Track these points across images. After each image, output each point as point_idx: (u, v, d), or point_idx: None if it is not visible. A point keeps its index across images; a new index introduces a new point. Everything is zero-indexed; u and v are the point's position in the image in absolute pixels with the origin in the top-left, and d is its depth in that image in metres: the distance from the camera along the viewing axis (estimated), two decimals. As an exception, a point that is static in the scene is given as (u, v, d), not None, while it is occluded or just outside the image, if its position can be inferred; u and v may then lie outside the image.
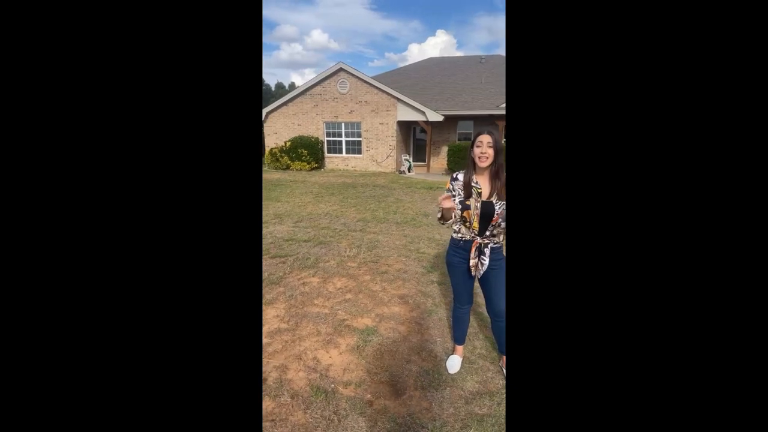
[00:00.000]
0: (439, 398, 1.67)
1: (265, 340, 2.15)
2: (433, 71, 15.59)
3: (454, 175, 1.71)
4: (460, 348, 1.93)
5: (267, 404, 1.65)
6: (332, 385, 1.77)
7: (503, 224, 1.58)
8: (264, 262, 3.45)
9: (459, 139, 12.80)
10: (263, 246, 3.90)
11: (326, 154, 12.26)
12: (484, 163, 1.58)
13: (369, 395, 1.70)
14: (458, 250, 1.73)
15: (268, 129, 12.53)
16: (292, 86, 49.63)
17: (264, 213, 5.49)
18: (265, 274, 3.14)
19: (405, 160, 11.87)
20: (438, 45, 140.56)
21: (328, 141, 12.21)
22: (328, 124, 12.06)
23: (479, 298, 2.29)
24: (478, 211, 1.60)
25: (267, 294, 2.78)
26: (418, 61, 18.05)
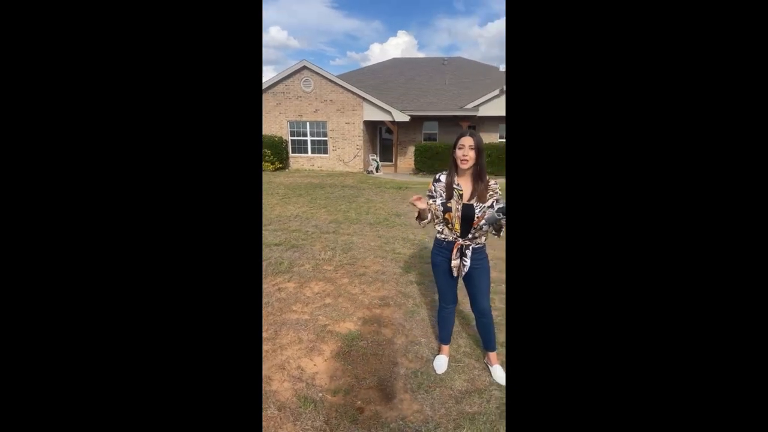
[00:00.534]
0: (429, 400, 1.68)
1: (243, 351, 2.05)
2: (397, 72, 15.71)
3: (437, 177, 1.72)
4: (446, 347, 1.95)
5: (252, 419, 1.56)
6: (320, 394, 1.71)
7: (485, 227, 1.61)
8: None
9: (425, 140, 12.99)
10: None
11: (291, 154, 11.96)
12: (465, 165, 1.60)
13: (359, 402, 1.67)
14: (442, 250, 1.74)
15: (228, 128, 11.98)
16: (252, 83, 47.39)
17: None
18: (237, 281, 2.99)
19: (372, 160, 11.86)
20: (399, 45, 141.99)
21: (292, 140, 11.92)
22: (292, 123, 11.77)
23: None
24: (459, 213, 1.62)
25: (241, 302, 2.65)
26: (382, 61, 18.12)
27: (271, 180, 9.26)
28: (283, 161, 11.52)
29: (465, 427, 1.51)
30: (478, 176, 1.62)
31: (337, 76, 11.45)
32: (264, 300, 2.67)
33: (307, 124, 11.75)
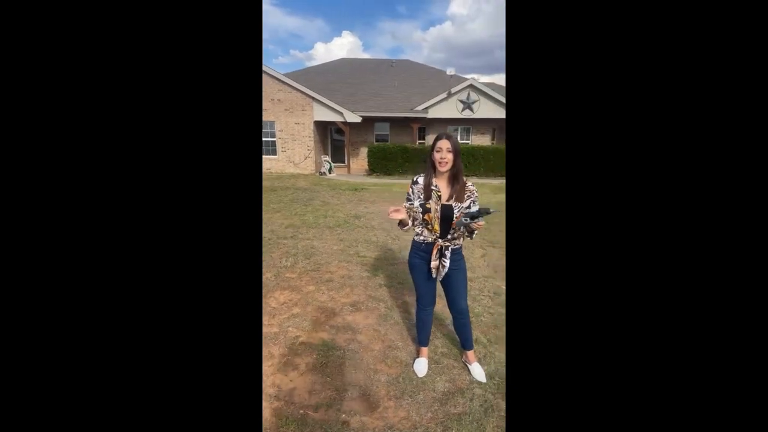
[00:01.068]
0: (415, 405, 1.66)
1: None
2: (346, 72, 15.61)
3: (415, 179, 1.72)
4: (425, 350, 1.95)
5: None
6: (300, 411, 1.62)
7: (462, 228, 1.63)
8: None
9: (376, 141, 13.05)
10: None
11: (238, 156, 11.32)
12: (444, 168, 1.62)
13: (343, 415, 1.61)
14: (420, 252, 1.74)
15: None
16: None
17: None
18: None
19: (325, 161, 11.65)
20: (345, 45, 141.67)
21: (239, 142, 11.29)
22: (238, 123, 11.15)
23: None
24: (438, 214, 1.63)
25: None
26: (330, 61, 17.89)
27: (217, 184, 8.68)
28: (228, 163, 10.87)
29: (453, 429, 1.52)
30: (455, 178, 1.64)
31: (284, 75, 11.08)
32: (225, 314, 2.47)
33: (254, 124, 11.21)
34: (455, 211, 1.62)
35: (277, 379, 1.83)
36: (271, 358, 2.01)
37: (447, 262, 1.67)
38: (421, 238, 1.72)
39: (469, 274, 2.24)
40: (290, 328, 2.31)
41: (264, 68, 10.74)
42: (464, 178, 1.67)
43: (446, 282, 1.76)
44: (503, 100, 12.11)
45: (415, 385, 1.79)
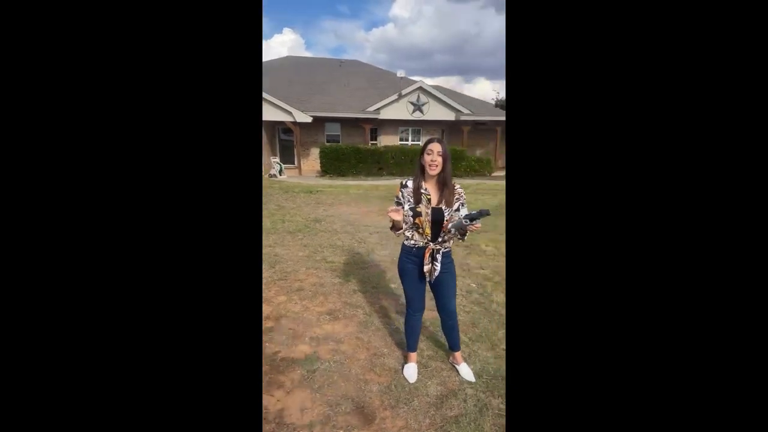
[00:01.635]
0: (411, 412, 1.65)
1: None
2: (293, 71, 15.16)
3: (404, 182, 1.71)
4: (413, 355, 1.95)
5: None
6: (294, 433, 1.53)
7: (453, 230, 1.66)
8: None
9: (327, 141, 12.84)
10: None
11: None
12: (434, 171, 1.63)
13: (341, 431, 1.55)
14: (411, 257, 1.74)
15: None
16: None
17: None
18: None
19: (275, 162, 11.20)
20: (286, 43, 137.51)
21: (177, 142, 10.44)
22: (176, 122, 10.30)
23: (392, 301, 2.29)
24: (429, 218, 1.64)
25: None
26: (274, 59, 17.23)
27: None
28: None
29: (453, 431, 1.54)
30: (445, 181, 1.66)
31: (228, 72, 10.44)
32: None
33: (195, 123, 10.44)
34: (445, 215, 1.64)
35: (263, 400, 1.71)
36: (252, 378, 1.88)
37: (438, 266, 1.69)
38: (412, 242, 1.71)
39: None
40: (267, 344, 2.18)
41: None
42: (452, 182, 1.70)
43: (436, 285, 1.78)
44: (450, 102, 12.59)
45: (408, 392, 1.78)
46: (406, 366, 1.93)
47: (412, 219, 1.66)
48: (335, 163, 11.03)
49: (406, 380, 1.85)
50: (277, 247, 4.04)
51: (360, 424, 1.59)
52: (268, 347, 2.15)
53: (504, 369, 1.94)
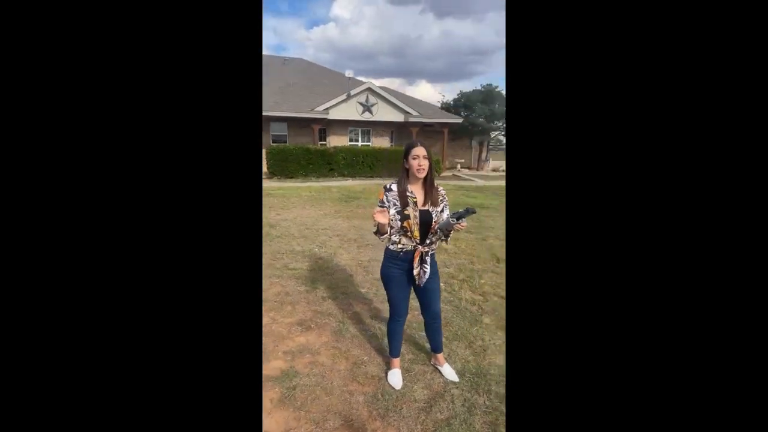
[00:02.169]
0: (402, 420, 1.62)
1: None
2: (234, 67, 14.29)
3: (388, 186, 1.68)
4: (396, 361, 1.92)
5: None
6: (282, 458, 1.42)
7: (440, 232, 1.66)
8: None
9: (273, 141, 12.33)
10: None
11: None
12: (421, 174, 1.62)
13: (332, 450, 1.47)
14: (397, 262, 1.71)
15: None
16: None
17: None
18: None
19: (217, 164, 10.46)
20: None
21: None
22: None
23: (375, 306, 2.24)
24: (417, 220, 1.63)
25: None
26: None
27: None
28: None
29: (446, 435, 1.53)
30: (430, 183, 1.66)
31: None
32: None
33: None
34: (433, 216, 1.64)
35: (240, 427, 1.57)
36: (225, 402, 1.71)
37: (428, 268, 1.68)
38: (399, 246, 1.68)
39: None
40: (237, 363, 2.01)
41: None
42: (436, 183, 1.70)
43: (423, 288, 1.76)
44: (399, 104, 12.78)
45: (395, 399, 1.74)
46: (390, 372, 1.89)
47: (399, 223, 1.63)
48: (283, 165, 10.63)
49: (392, 387, 1.82)
50: (232, 256, 3.76)
51: (351, 439, 1.52)
52: (239, 366, 1.98)
53: (485, 366, 1.99)
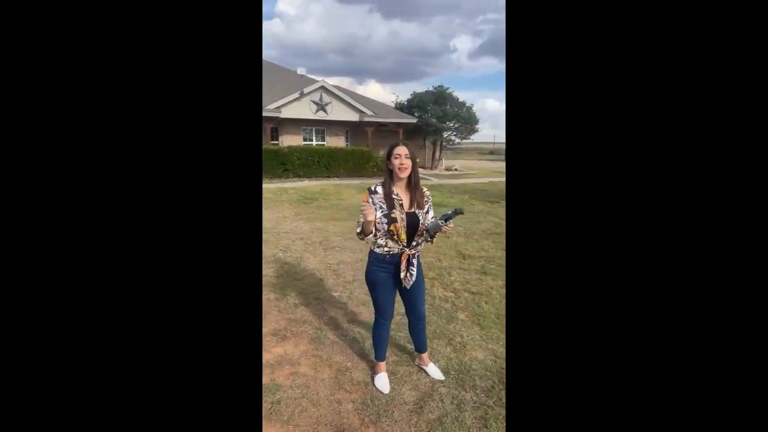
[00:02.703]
0: (395, 424, 1.61)
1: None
2: (174, 60, 13.27)
3: (373, 188, 1.65)
4: (382, 364, 1.90)
5: None
6: (275, 479, 1.34)
7: (426, 234, 1.68)
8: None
9: (222, 141, 11.64)
10: None
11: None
12: (404, 174, 1.61)
13: (328, 463, 1.42)
14: (384, 265, 1.69)
15: None
16: None
17: None
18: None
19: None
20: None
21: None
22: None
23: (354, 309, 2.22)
24: (404, 223, 1.63)
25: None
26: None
27: None
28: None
29: (440, 435, 1.55)
30: (415, 184, 1.66)
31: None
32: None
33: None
34: (420, 219, 1.64)
35: (224, 451, 1.45)
36: (204, 426, 1.58)
37: (414, 271, 1.68)
38: (386, 249, 1.66)
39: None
40: (211, 381, 1.86)
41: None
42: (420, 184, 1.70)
43: (409, 290, 1.76)
44: (353, 103, 12.70)
45: (385, 404, 1.73)
46: (377, 377, 1.87)
47: (386, 227, 1.61)
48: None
49: (380, 391, 1.80)
50: (189, 265, 3.49)
51: (346, 449, 1.48)
52: (213, 385, 1.84)
53: (467, 362, 2.04)
